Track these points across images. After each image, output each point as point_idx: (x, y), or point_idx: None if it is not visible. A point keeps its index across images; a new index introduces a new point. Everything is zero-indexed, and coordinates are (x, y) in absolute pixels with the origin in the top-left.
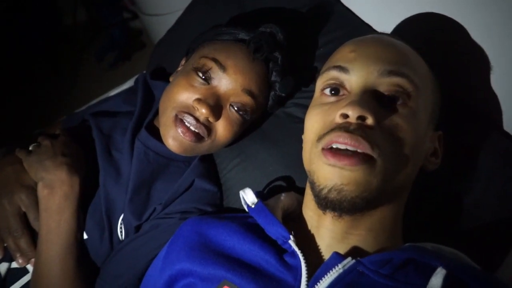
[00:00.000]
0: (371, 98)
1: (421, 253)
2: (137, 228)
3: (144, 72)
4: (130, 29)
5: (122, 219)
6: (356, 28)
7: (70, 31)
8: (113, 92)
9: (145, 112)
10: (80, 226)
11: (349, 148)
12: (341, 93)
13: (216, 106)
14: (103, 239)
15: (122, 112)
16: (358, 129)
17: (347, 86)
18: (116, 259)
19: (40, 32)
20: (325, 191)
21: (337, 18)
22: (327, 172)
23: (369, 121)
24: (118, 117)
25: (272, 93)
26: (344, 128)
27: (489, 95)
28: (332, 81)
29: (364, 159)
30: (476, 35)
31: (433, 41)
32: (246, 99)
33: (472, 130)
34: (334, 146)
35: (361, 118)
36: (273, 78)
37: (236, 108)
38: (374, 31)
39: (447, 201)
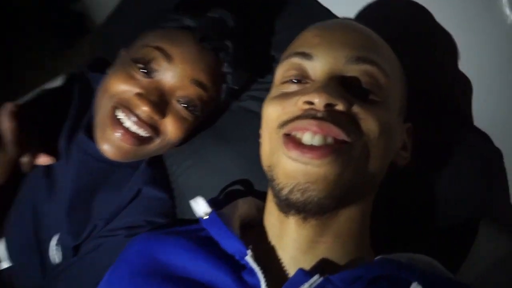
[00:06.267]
0: (338, 84)
1: (394, 268)
2: (76, 249)
3: (82, 64)
4: (71, 12)
5: (58, 239)
6: (315, 12)
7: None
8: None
9: (83, 111)
10: None
11: (316, 140)
12: (304, 82)
13: (160, 102)
14: (32, 265)
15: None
16: (327, 116)
17: (311, 74)
18: None
19: None
20: (285, 191)
21: (294, 2)
22: (288, 167)
23: (340, 106)
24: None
25: (225, 85)
26: (311, 115)
27: (459, 89)
28: (293, 71)
29: (335, 148)
30: (446, 23)
31: (399, 29)
32: (196, 91)
33: (441, 125)
34: (297, 137)
35: (330, 106)
36: (224, 69)
37: (184, 103)
38: (334, 16)
39: (416, 199)
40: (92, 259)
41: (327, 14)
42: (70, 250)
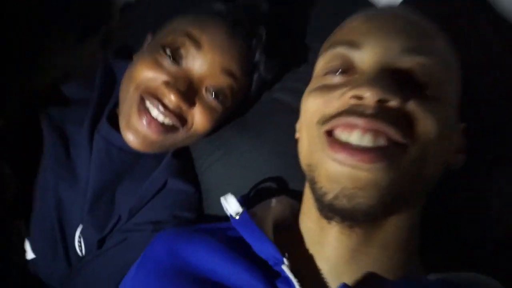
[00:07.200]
0: (391, 78)
1: None
2: (100, 242)
3: (105, 51)
4: None
5: (81, 232)
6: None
7: None
8: None
9: (105, 99)
10: None
11: (366, 140)
12: (349, 73)
13: (189, 91)
14: (57, 257)
15: (78, 100)
16: (379, 113)
17: (358, 65)
18: (77, 281)
19: None
20: (329, 196)
21: None
22: (332, 170)
23: (394, 103)
24: (72, 106)
25: (256, 75)
26: (359, 111)
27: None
28: (338, 61)
29: (388, 150)
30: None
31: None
32: (226, 81)
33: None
34: (343, 139)
35: (381, 101)
36: (256, 58)
37: (214, 93)
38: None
39: (469, 206)
40: (117, 253)
41: (368, 3)
42: (95, 243)
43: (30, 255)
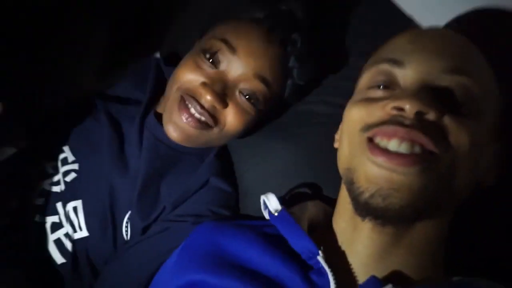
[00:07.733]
0: (430, 93)
1: None
2: (144, 229)
3: (157, 55)
4: None
5: (129, 218)
6: (393, 15)
7: None
8: None
9: (154, 100)
10: None
11: (403, 147)
12: (391, 88)
13: (223, 92)
14: (106, 237)
15: (131, 99)
16: (416, 124)
17: (401, 82)
18: (119, 262)
19: None
20: (366, 195)
21: (371, 5)
22: (371, 172)
23: (430, 116)
24: (129, 104)
25: (290, 81)
26: (399, 121)
27: None
28: (382, 77)
29: (422, 157)
30: None
31: (490, 41)
32: (258, 85)
33: None
34: (382, 145)
35: (420, 114)
36: (291, 64)
37: (246, 96)
38: (417, 25)
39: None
40: (158, 240)
41: (407, 19)
42: (139, 230)
43: (84, 233)
